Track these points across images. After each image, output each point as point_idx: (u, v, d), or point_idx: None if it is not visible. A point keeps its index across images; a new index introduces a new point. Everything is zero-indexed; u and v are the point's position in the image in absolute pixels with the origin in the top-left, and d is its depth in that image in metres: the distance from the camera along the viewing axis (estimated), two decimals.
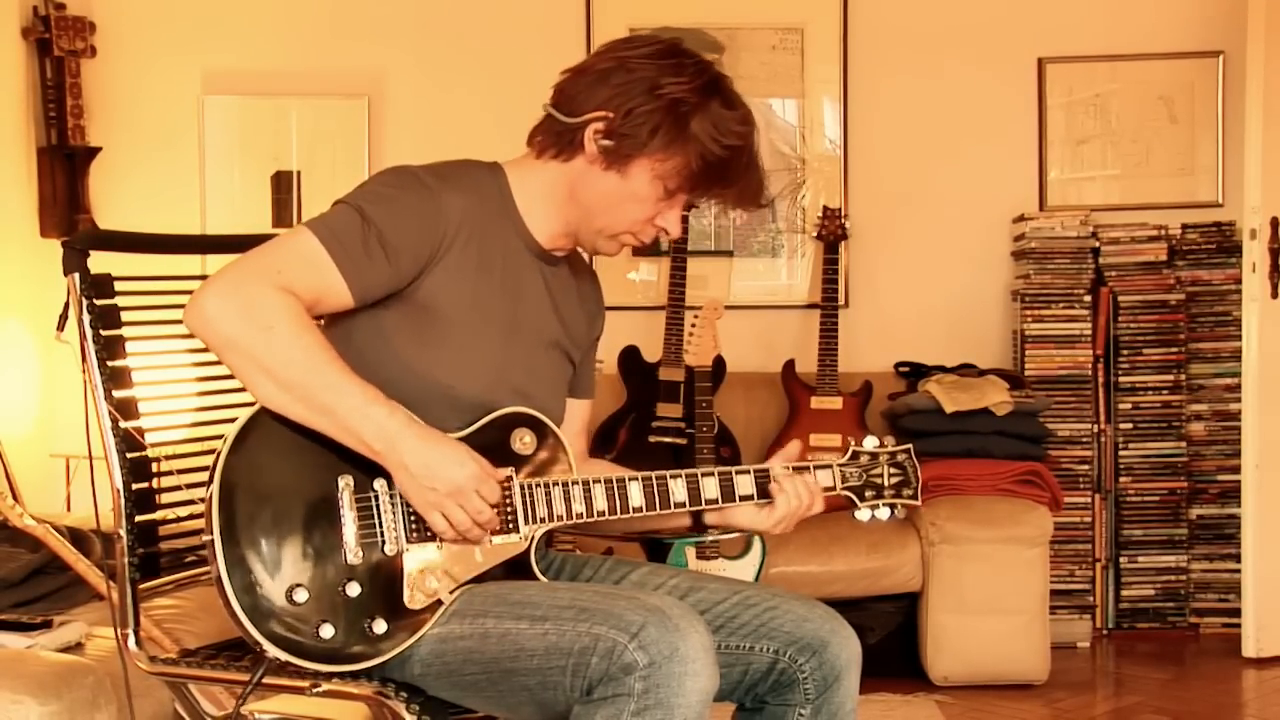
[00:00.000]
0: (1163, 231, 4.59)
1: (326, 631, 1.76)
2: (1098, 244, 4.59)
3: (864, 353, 4.70)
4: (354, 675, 1.79)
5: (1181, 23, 4.78)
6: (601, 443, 4.22)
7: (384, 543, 1.82)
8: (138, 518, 1.99)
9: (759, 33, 4.82)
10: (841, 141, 4.84)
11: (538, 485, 1.91)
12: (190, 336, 1.84)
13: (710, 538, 3.62)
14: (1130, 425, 4.54)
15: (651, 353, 4.33)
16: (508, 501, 1.88)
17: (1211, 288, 4.58)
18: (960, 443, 4.14)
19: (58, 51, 4.54)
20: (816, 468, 2.08)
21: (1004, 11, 4.83)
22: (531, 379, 2.00)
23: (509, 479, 1.89)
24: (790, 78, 4.84)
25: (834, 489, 2.10)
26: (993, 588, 3.92)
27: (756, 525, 2.05)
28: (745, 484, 2.03)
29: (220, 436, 1.81)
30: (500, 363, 1.96)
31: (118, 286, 2.02)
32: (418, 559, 1.83)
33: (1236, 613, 4.33)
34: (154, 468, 2.02)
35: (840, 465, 2.11)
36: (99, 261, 2.00)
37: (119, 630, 1.99)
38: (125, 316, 2.03)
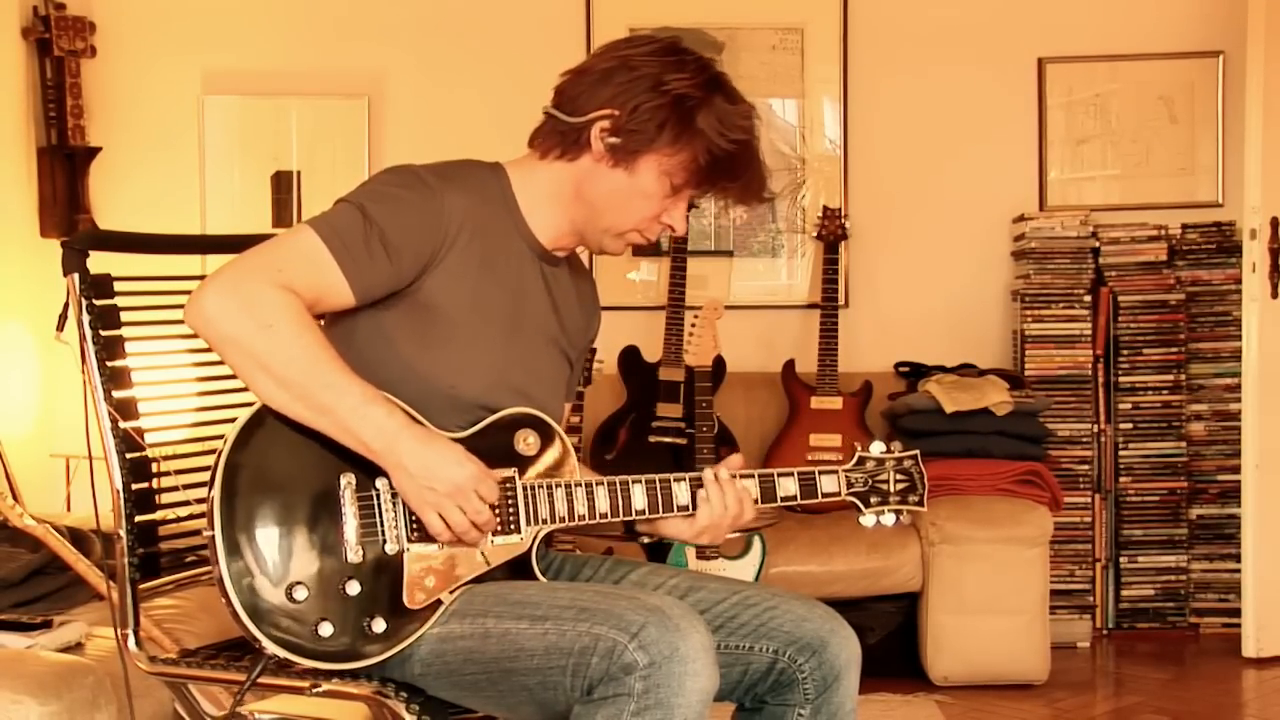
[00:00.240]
0: (1163, 231, 4.58)
1: (326, 630, 1.75)
2: (1098, 244, 4.59)
3: (864, 353, 4.70)
4: (353, 675, 1.79)
5: (1181, 23, 4.78)
6: (601, 443, 4.22)
7: (385, 541, 1.82)
8: (138, 518, 2.00)
9: (759, 33, 4.82)
10: (841, 141, 4.84)
11: (540, 486, 1.91)
12: (191, 336, 1.84)
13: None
14: (1130, 425, 4.54)
15: (651, 353, 4.33)
16: (510, 501, 1.89)
17: (1211, 288, 4.58)
18: (960, 443, 4.14)
19: (58, 51, 4.54)
20: (821, 473, 2.08)
21: (1004, 11, 4.83)
22: (532, 379, 2.00)
23: (511, 479, 1.89)
24: (790, 78, 4.84)
25: (839, 494, 2.09)
26: (993, 588, 3.92)
27: (680, 534, 2.03)
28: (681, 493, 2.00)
29: (220, 436, 1.81)
30: (501, 363, 1.96)
31: (117, 287, 2.02)
32: (419, 558, 1.83)
33: (1236, 613, 4.33)
34: (154, 468, 2.02)
35: (845, 470, 2.10)
36: (99, 262, 2.01)
37: (119, 630, 1.99)
38: (125, 317, 2.03)
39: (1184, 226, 4.61)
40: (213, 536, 1.74)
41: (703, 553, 3.72)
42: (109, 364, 1.99)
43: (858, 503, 2.11)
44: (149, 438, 2.02)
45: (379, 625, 1.78)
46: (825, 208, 4.67)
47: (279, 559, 1.75)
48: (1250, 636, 4.21)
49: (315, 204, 4.56)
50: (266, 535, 1.75)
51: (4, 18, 4.50)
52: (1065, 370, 4.54)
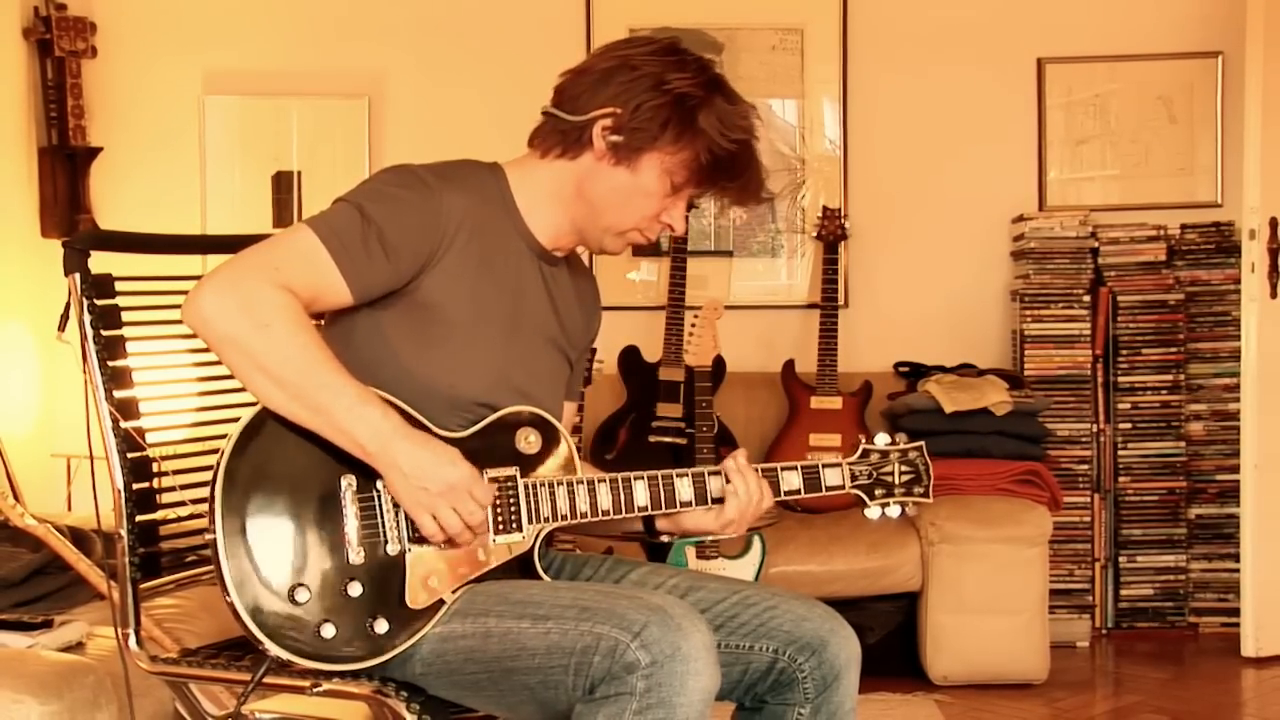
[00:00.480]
0: (1162, 231, 4.59)
1: (328, 631, 1.76)
2: (1097, 244, 4.59)
3: (864, 353, 4.71)
4: (355, 675, 1.80)
5: (1181, 23, 4.78)
6: (601, 443, 4.22)
7: (386, 542, 1.82)
8: (138, 517, 2.00)
9: (759, 33, 4.83)
10: (841, 141, 4.84)
11: (541, 484, 1.92)
12: (191, 336, 1.84)
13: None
14: (1129, 425, 4.54)
15: (651, 353, 4.33)
16: (512, 500, 1.89)
17: (1211, 288, 4.58)
18: (960, 443, 4.14)
19: (58, 52, 4.54)
20: (825, 466, 2.08)
21: (1003, 11, 4.84)
22: (532, 379, 2.00)
23: (512, 478, 1.89)
24: (790, 78, 4.84)
25: (843, 487, 2.09)
26: (992, 587, 3.93)
27: (704, 526, 2.04)
28: (716, 486, 2.02)
29: (221, 436, 1.81)
30: (501, 362, 1.96)
31: (118, 287, 2.03)
32: (420, 558, 1.83)
33: (1235, 612, 4.34)
34: (155, 467, 2.02)
35: (849, 463, 2.10)
36: (99, 262, 2.01)
37: (120, 630, 1.99)
38: (126, 317, 2.03)
39: (1183, 227, 4.61)
40: (214, 539, 1.74)
41: (703, 552, 3.73)
42: (110, 364, 1.99)
43: (862, 495, 2.10)
44: (150, 437, 2.02)
45: (382, 626, 1.79)
46: (825, 208, 4.67)
47: (281, 561, 1.75)
48: (1249, 636, 4.21)
49: (316, 204, 4.55)
50: (268, 537, 1.75)
51: (5, 18, 4.50)
52: (1064, 370, 4.54)
